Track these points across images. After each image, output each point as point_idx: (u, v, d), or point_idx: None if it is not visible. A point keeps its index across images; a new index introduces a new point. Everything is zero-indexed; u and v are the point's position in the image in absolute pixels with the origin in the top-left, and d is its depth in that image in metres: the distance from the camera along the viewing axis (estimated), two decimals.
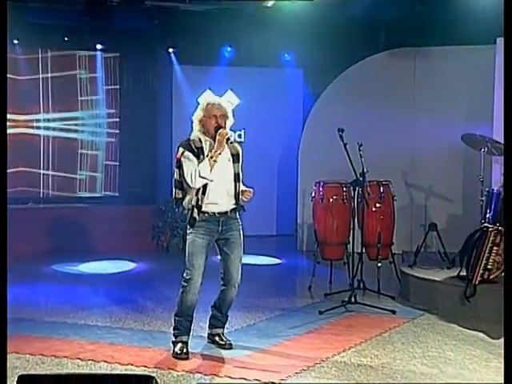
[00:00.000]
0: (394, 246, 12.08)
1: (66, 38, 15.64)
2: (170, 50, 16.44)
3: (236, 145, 8.22)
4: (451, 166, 13.41)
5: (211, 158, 7.70)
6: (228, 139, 7.81)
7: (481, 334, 9.05)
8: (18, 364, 7.86)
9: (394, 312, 10.00)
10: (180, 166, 7.90)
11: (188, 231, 8.07)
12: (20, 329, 9.25)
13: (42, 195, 16.53)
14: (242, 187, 8.08)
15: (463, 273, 10.01)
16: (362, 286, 10.92)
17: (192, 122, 8.08)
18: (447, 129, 12.76)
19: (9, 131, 13.79)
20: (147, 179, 16.68)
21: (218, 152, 7.72)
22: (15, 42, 15.22)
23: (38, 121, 16.48)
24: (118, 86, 16.95)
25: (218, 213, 7.97)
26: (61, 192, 16.67)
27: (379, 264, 11.41)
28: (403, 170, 14.17)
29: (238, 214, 8.23)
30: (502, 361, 7.50)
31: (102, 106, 16.85)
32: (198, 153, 7.83)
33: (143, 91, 16.84)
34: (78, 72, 16.59)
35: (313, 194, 11.86)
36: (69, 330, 9.28)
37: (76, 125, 16.68)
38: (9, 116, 13.98)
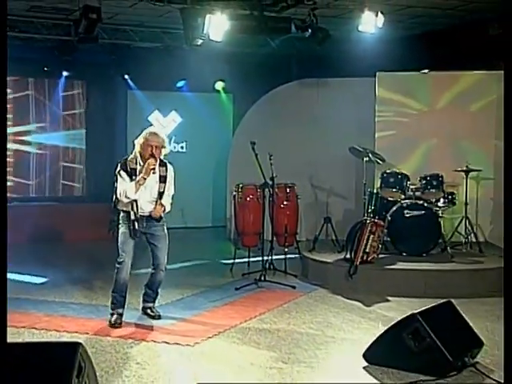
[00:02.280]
0: (299, 235, 12.26)
1: (45, 68, 15.60)
2: (126, 76, 16.32)
3: (167, 168, 8.26)
4: (346, 171, 13.48)
5: (137, 182, 7.84)
6: (153, 169, 7.91)
7: (358, 303, 9.25)
8: None
9: (294, 287, 10.15)
10: (116, 181, 8.04)
11: (120, 226, 8.15)
12: None
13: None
14: (163, 201, 8.15)
15: (348, 255, 10.17)
16: (271, 267, 11.00)
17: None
18: (341, 143, 12.81)
19: None
20: (107, 182, 16.60)
21: (144, 177, 7.83)
22: None
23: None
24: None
25: (142, 216, 8.09)
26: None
27: (286, 249, 11.57)
28: (309, 175, 14.28)
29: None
30: (372, 323, 7.72)
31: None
32: (131, 173, 7.94)
33: (104, 110, 16.76)
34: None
35: (233, 194, 11.91)
36: (29, 305, 9.26)
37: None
38: None
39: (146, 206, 8.11)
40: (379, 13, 11.73)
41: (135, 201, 7.96)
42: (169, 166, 8.33)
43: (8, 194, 15.18)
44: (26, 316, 8.62)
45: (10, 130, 15.41)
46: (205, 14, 11.29)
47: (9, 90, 15.36)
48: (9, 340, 7.15)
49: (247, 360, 6.92)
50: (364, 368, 6.50)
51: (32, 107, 16.32)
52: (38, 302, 9.49)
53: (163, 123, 16.70)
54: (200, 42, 11.64)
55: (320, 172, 14.12)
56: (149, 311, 8.49)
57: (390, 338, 6.54)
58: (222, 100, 17.25)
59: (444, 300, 7.11)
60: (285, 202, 11.72)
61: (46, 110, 16.42)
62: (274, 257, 11.18)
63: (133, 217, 8.02)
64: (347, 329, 7.99)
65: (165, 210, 8.21)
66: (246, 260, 11.54)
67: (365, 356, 6.63)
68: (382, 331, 6.67)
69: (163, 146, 8.13)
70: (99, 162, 16.38)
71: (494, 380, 6.20)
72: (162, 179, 8.15)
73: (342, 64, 13.85)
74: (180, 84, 16.56)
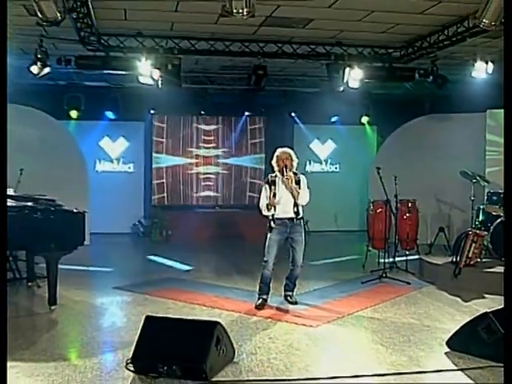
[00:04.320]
0: (419, 239, 12.02)
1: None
2: (293, 114, 16.61)
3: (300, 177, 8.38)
4: (464, 188, 12.72)
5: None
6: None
7: (458, 299, 8.99)
8: (172, 306, 8.35)
9: (409, 283, 10.01)
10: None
11: (268, 232, 8.28)
12: (175, 284, 9.82)
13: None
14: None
15: (455, 259, 9.95)
16: (395, 266, 10.94)
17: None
18: (459, 166, 12.50)
19: None
20: None
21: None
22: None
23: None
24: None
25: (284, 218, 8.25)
26: None
27: (407, 252, 11.46)
28: (434, 192, 14.03)
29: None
30: (465, 316, 7.52)
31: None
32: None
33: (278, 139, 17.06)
34: None
35: (371, 207, 11.86)
36: (204, 287, 9.68)
37: None
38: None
39: (287, 212, 8.22)
40: (489, 62, 11.45)
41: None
42: (301, 176, 8.41)
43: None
44: (201, 296, 9.02)
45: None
46: (345, 68, 11.42)
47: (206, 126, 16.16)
48: (185, 314, 7.72)
49: (353, 341, 7.03)
50: (445, 353, 6.43)
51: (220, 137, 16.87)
52: (212, 285, 9.89)
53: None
54: (342, 88, 11.75)
55: (443, 189, 13.79)
56: (288, 298, 8.61)
57: (467, 330, 6.45)
58: (366, 131, 17.18)
59: None
60: (407, 214, 11.60)
61: (232, 139, 16.83)
62: (398, 258, 11.14)
63: (272, 224, 8.24)
64: (442, 320, 7.82)
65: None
66: (377, 260, 11.37)
67: (447, 343, 6.58)
68: (462, 324, 6.58)
69: (292, 159, 8.27)
70: None
71: None
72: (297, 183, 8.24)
73: (461, 102, 13.40)
74: (334, 119, 16.61)
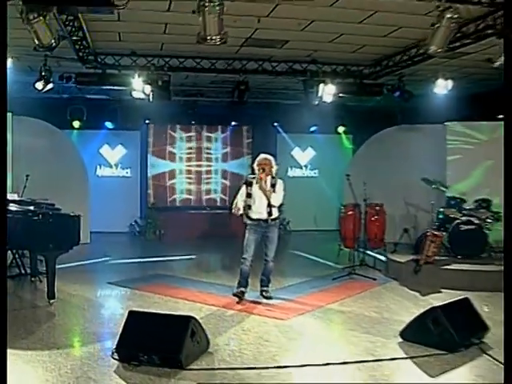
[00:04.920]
0: (387, 240, 12.21)
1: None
2: (275, 124, 16.78)
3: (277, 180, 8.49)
4: (429, 192, 12.88)
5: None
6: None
7: (416, 293, 9.14)
8: (158, 300, 8.47)
9: (375, 279, 10.14)
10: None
11: (246, 232, 8.44)
12: (163, 280, 9.94)
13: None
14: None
15: (415, 257, 10.13)
16: (364, 263, 11.09)
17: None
18: (424, 172, 12.60)
19: None
20: None
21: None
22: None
23: None
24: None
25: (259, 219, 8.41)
26: None
27: (375, 251, 11.72)
28: (403, 195, 14.01)
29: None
30: (420, 309, 7.57)
31: None
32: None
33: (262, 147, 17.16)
34: None
35: (342, 210, 12.00)
36: (189, 283, 9.81)
37: None
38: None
39: (261, 213, 8.37)
40: (449, 79, 11.68)
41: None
42: (279, 180, 8.50)
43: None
44: (185, 291, 9.16)
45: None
46: (319, 83, 11.62)
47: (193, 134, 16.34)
48: (169, 307, 7.86)
49: (318, 333, 7.20)
50: (399, 343, 6.62)
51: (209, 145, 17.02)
52: (196, 281, 10.00)
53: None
54: (317, 102, 11.95)
55: (411, 193, 13.75)
56: (264, 293, 8.71)
57: (418, 323, 6.65)
58: (342, 139, 17.35)
59: (462, 297, 7.12)
60: (375, 216, 11.78)
61: (220, 146, 17.03)
62: (376, 255, 11.48)
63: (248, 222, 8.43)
64: (400, 313, 7.95)
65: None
66: (348, 257, 11.55)
67: (401, 334, 6.78)
68: (414, 317, 6.77)
69: (271, 165, 8.42)
70: None
71: (489, 355, 6.21)
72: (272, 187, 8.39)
73: (426, 114, 13.55)
74: (313, 128, 16.77)
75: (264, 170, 8.32)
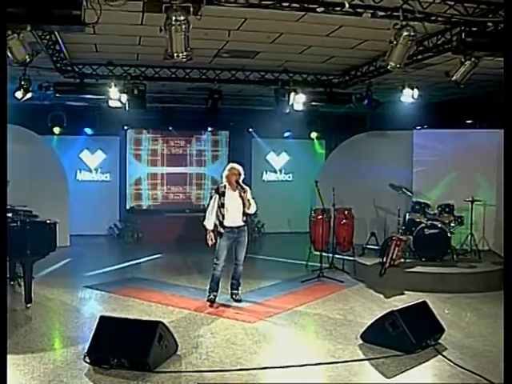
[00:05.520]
0: (357, 242, 12.34)
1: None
2: (250, 129, 16.91)
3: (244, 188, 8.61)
4: (398, 196, 13.18)
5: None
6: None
7: (381, 295, 9.34)
8: (131, 304, 8.60)
9: (342, 282, 10.29)
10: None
11: (218, 238, 8.53)
12: (138, 283, 10.04)
13: None
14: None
15: (381, 260, 10.30)
16: (333, 266, 11.27)
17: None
18: (393, 177, 12.99)
19: None
20: None
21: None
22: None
23: None
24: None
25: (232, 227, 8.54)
26: None
27: (344, 254, 11.89)
28: (372, 198, 14.18)
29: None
30: (383, 311, 7.74)
31: None
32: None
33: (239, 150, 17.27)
34: None
35: (313, 214, 12.18)
36: (165, 286, 9.91)
37: None
38: None
39: (236, 221, 8.51)
40: (415, 88, 11.86)
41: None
42: (246, 187, 8.61)
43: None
44: (159, 294, 9.27)
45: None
46: (290, 92, 11.78)
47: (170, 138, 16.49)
48: (142, 311, 8.05)
49: (283, 335, 7.39)
50: (358, 345, 6.82)
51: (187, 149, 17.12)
52: (170, 284, 10.09)
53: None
54: (288, 110, 12.10)
55: (380, 197, 13.82)
56: (234, 296, 8.86)
57: (377, 326, 6.85)
58: (315, 144, 17.47)
59: (420, 300, 7.34)
60: (344, 220, 11.97)
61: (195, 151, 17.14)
62: (336, 259, 11.51)
63: (222, 230, 8.53)
64: (363, 315, 8.14)
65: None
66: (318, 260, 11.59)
67: (361, 336, 6.97)
68: (374, 320, 6.96)
69: (240, 174, 8.55)
70: None
71: (444, 356, 6.42)
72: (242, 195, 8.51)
73: (394, 121, 13.68)
74: (287, 134, 16.88)
75: (237, 181, 8.44)
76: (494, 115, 13.12)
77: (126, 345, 5.91)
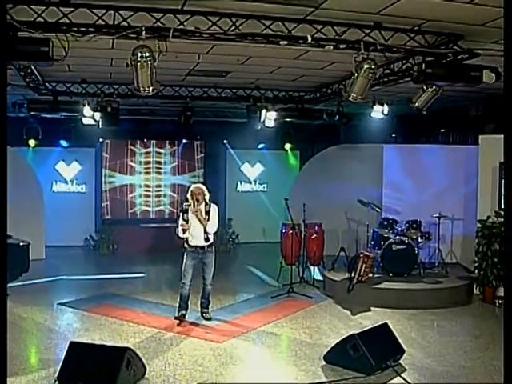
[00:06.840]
0: (329, 254, 12.50)
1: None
2: (225, 141, 17.15)
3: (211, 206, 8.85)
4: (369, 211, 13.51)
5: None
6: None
7: (348, 312, 9.55)
8: (103, 323, 8.78)
9: (311, 297, 10.47)
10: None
11: (184, 255, 8.78)
12: (111, 300, 10.21)
13: None
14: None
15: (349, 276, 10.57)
16: (303, 280, 11.44)
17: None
18: (364, 191, 13.38)
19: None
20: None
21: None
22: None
23: None
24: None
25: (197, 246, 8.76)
26: None
27: (314, 268, 12.13)
28: (344, 211, 14.50)
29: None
30: (348, 330, 8.10)
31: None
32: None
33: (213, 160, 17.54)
34: None
35: (283, 229, 12.43)
36: (136, 303, 10.04)
37: None
38: None
39: (198, 240, 8.73)
40: (385, 104, 12.15)
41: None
42: (213, 205, 8.85)
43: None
44: (130, 312, 9.45)
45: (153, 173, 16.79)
46: (262, 109, 12.04)
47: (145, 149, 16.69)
48: (113, 330, 8.26)
49: (249, 356, 7.59)
50: (321, 366, 7.08)
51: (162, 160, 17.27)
52: (142, 301, 10.23)
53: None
54: (259, 127, 12.36)
55: (352, 209, 14.01)
56: (204, 314, 9.05)
57: (339, 348, 7.12)
58: (289, 156, 17.73)
59: (382, 322, 7.63)
60: (314, 235, 12.19)
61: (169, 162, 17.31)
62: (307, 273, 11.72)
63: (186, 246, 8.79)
64: (329, 334, 8.35)
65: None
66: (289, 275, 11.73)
67: (324, 358, 7.25)
68: (336, 342, 7.23)
69: (204, 194, 8.77)
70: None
71: (402, 377, 6.71)
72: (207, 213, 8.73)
73: (365, 134, 13.77)
74: (261, 145, 17.17)
75: (198, 200, 8.65)
76: (465, 128, 13.53)
77: (95, 370, 6.12)
